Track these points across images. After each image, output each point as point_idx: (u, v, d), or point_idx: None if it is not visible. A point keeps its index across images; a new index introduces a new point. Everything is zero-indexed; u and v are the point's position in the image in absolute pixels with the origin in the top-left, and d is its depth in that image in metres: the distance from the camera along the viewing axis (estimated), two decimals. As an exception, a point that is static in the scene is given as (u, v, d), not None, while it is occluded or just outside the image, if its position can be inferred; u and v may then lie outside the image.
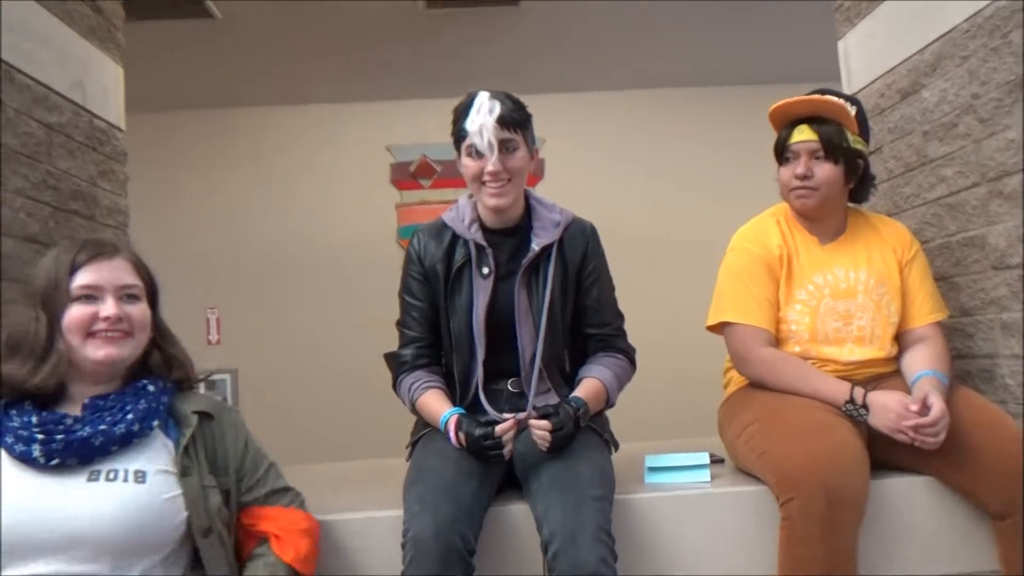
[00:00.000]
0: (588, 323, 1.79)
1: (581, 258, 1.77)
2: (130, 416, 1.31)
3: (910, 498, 1.70)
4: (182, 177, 5.17)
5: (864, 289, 1.82)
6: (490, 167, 1.67)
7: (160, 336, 1.42)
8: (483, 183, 1.70)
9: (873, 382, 1.77)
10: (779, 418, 1.67)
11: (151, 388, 1.37)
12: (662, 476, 1.79)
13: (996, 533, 1.62)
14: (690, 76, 5.16)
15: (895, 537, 1.68)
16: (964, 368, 2.02)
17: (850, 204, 1.94)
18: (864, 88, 2.39)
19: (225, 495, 1.38)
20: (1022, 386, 1.81)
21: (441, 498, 1.47)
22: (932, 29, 2.07)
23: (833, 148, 1.79)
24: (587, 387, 1.71)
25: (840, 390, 1.68)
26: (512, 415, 1.61)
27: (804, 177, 1.79)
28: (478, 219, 1.77)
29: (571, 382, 1.76)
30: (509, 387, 1.75)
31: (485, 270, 1.73)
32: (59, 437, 1.25)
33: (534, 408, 1.65)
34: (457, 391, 1.75)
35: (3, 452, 1.26)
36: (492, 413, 1.68)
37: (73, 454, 1.25)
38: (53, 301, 1.31)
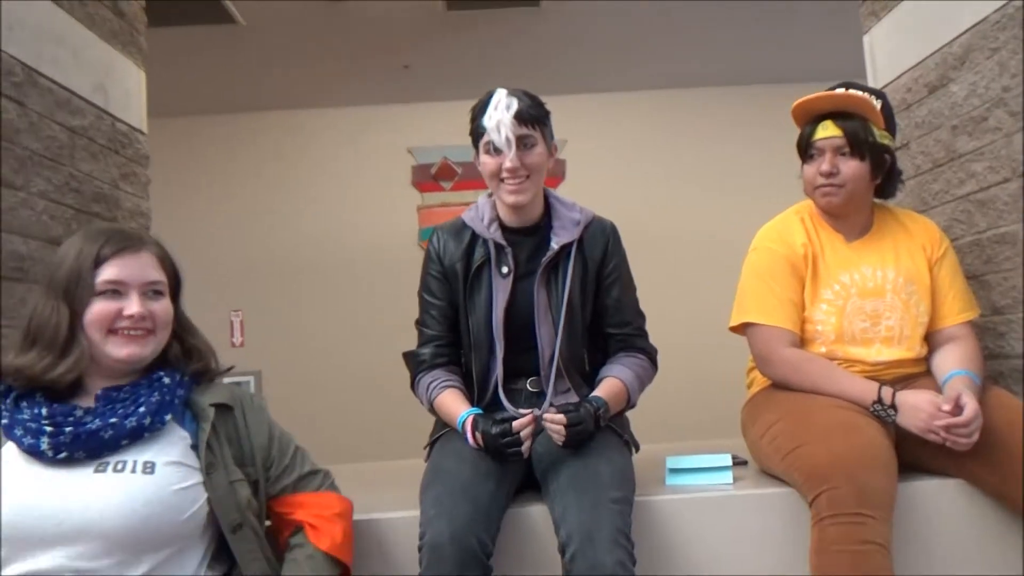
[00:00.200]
0: (608, 323, 1.77)
1: (601, 257, 1.75)
2: (142, 409, 1.28)
3: (940, 501, 1.66)
4: (206, 181, 5.22)
5: (892, 288, 1.78)
6: (508, 163, 1.65)
7: (180, 328, 1.38)
8: (501, 180, 1.68)
9: (901, 383, 1.73)
10: (804, 418, 1.64)
11: (166, 380, 1.33)
12: (684, 478, 1.76)
13: (1030, 537, 1.58)
14: (711, 76, 5.12)
15: (925, 541, 1.64)
16: (996, 368, 1.97)
17: (877, 200, 1.89)
18: (890, 83, 2.34)
19: (254, 485, 1.37)
20: (1057, 386, 1.76)
21: (458, 500, 1.46)
22: (961, 21, 2.02)
23: (859, 144, 1.75)
24: (607, 387, 1.68)
25: (868, 390, 1.64)
26: (530, 412, 1.59)
27: (829, 174, 1.75)
28: (497, 218, 1.75)
29: (591, 382, 1.74)
30: (528, 386, 1.73)
31: (504, 269, 1.72)
32: (68, 430, 1.23)
33: (552, 405, 1.63)
34: (475, 391, 1.73)
35: (12, 444, 1.25)
36: (511, 410, 1.66)
37: (81, 447, 1.23)
38: (76, 294, 1.27)
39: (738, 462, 1.89)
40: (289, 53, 4.46)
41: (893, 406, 1.62)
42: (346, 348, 5.09)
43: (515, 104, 1.66)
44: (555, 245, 1.71)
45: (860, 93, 1.77)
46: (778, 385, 1.80)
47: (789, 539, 1.60)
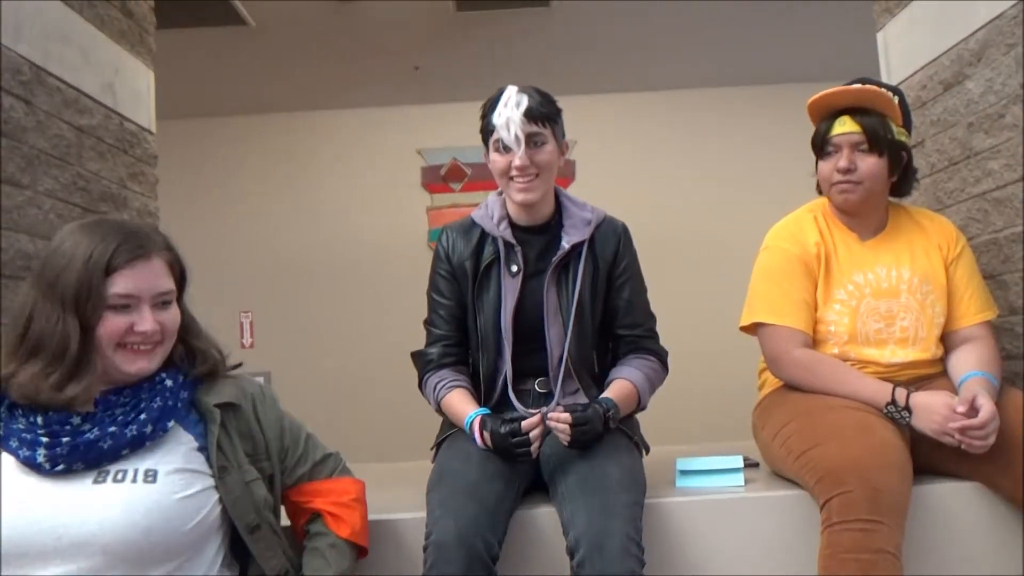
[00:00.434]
0: (619, 324, 1.74)
1: (612, 257, 1.73)
2: (143, 416, 1.22)
3: (955, 504, 1.63)
4: (216, 182, 5.24)
5: (908, 288, 1.74)
6: (517, 161, 1.64)
7: (185, 329, 1.31)
8: (511, 178, 1.66)
9: (916, 384, 1.70)
10: (817, 419, 1.61)
11: (169, 383, 1.27)
12: (694, 480, 1.74)
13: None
14: (722, 76, 5.09)
15: (939, 544, 1.61)
16: (1013, 369, 1.93)
17: (891, 199, 1.86)
18: (905, 80, 2.31)
19: (269, 480, 1.34)
20: (1076, 388, 1.72)
21: (464, 501, 1.44)
22: (976, 17, 1.99)
23: (877, 140, 1.72)
24: (617, 388, 1.66)
25: (881, 391, 1.61)
26: (538, 411, 1.57)
27: (847, 171, 1.72)
28: (507, 216, 1.74)
29: (600, 383, 1.72)
30: (536, 387, 1.71)
31: (514, 268, 1.70)
32: (65, 440, 1.17)
33: (559, 404, 1.62)
34: (483, 391, 1.71)
35: (7, 455, 1.18)
36: (521, 409, 1.64)
37: (79, 458, 1.17)
38: (88, 308, 1.18)
39: (749, 464, 1.86)
40: (299, 54, 4.46)
41: (907, 408, 1.59)
42: (355, 349, 5.09)
43: (525, 101, 1.64)
44: (566, 244, 1.69)
45: (880, 88, 1.74)
46: (790, 386, 1.77)
47: (801, 542, 1.57)
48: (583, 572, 1.37)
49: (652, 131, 5.32)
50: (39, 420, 1.19)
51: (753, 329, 1.82)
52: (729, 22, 4.32)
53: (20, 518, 1.14)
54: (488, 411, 1.63)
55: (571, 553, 1.41)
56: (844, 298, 1.75)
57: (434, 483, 1.54)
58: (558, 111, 1.71)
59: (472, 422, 1.59)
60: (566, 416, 1.53)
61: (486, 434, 1.55)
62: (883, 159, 1.73)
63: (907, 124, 1.81)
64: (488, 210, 1.76)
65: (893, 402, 1.59)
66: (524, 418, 1.54)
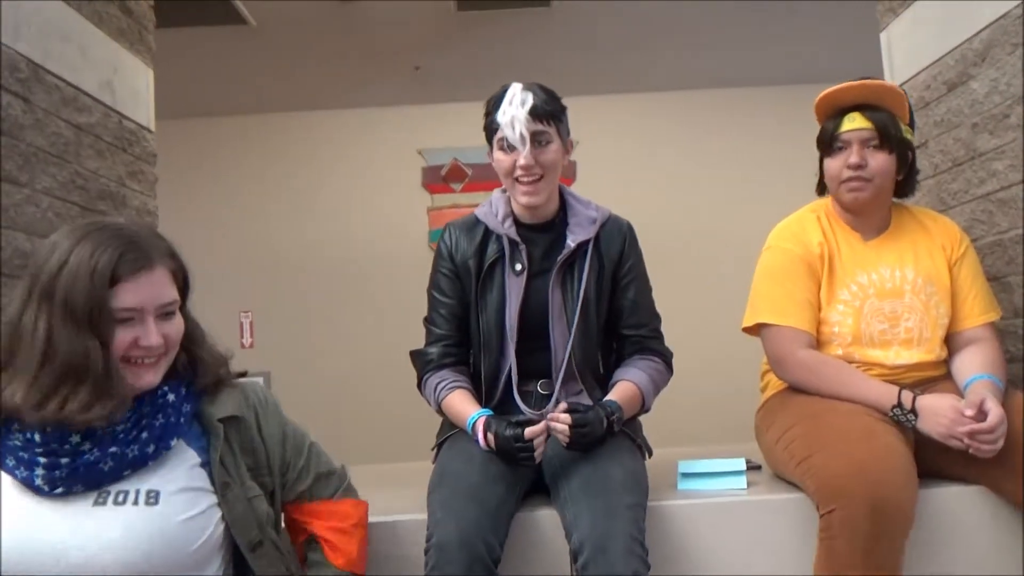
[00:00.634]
0: (624, 324, 1.73)
1: (618, 256, 1.71)
2: (144, 435, 1.16)
3: (960, 508, 1.61)
4: (216, 182, 5.23)
5: (912, 288, 1.73)
6: (522, 160, 1.62)
7: (188, 338, 1.25)
8: (516, 179, 1.65)
9: (921, 386, 1.69)
10: (821, 423, 1.59)
11: (171, 398, 1.21)
12: (696, 482, 1.72)
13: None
14: (723, 77, 5.08)
15: (945, 549, 1.59)
16: (1016, 372, 1.91)
17: (894, 199, 1.85)
18: (908, 80, 2.30)
19: (270, 495, 1.30)
20: (1082, 391, 1.70)
21: (465, 503, 1.42)
22: (981, 16, 1.97)
23: (888, 136, 1.70)
24: (622, 390, 1.64)
25: (887, 394, 1.60)
26: (543, 419, 1.55)
27: (858, 167, 1.70)
28: (511, 214, 1.72)
29: (604, 384, 1.70)
30: (539, 388, 1.69)
31: (518, 266, 1.68)
32: (64, 461, 1.12)
33: (563, 403, 1.60)
34: (484, 391, 1.70)
35: (5, 474, 1.14)
36: (527, 412, 1.63)
37: (79, 481, 1.13)
38: (101, 323, 1.12)
39: (752, 466, 1.84)
40: (299, 54, 4.45)
41: (913, 411, 1.57)
42: (356, 349, 5.07)
43: (530, 99, 1.62)
44: (571, 243, 1.68)
45: (891, 84, 1.72)
46: (794, 388, 1.75)
47: (804, 546, 1.55)
48: (587, 574, 1.35)
49: (653, 132, 5.30)
50: (36, 438, 1.13)
51: (756, 330, 1.80)
52: (731, 23, 4.31)
53: (19, 540, 1.10)
54: (491, 412, 1.61)
55: (575, 555, 1.40)
56: (848, 299, 1.74)
57: (435, 484, 1.52)
58: (563, 109, 1.70)
59: (475, 423, 1.57)
60: (566, 417, 1.51)
61: (490, 435, 1.53)
62: (892, 156, 1.71)
63: (911, 123, 1.79)
64: (492, 207, 1.74)
65: (899, 405, 1.58)
66: (530, 420, 1.53)
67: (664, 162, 5.27)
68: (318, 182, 5.28)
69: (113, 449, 1.14)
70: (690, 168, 5.26)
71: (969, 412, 1.50)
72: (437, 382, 1.69)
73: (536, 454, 1.50)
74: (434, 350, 1.73)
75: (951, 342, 1.76)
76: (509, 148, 1.64)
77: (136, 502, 1.14)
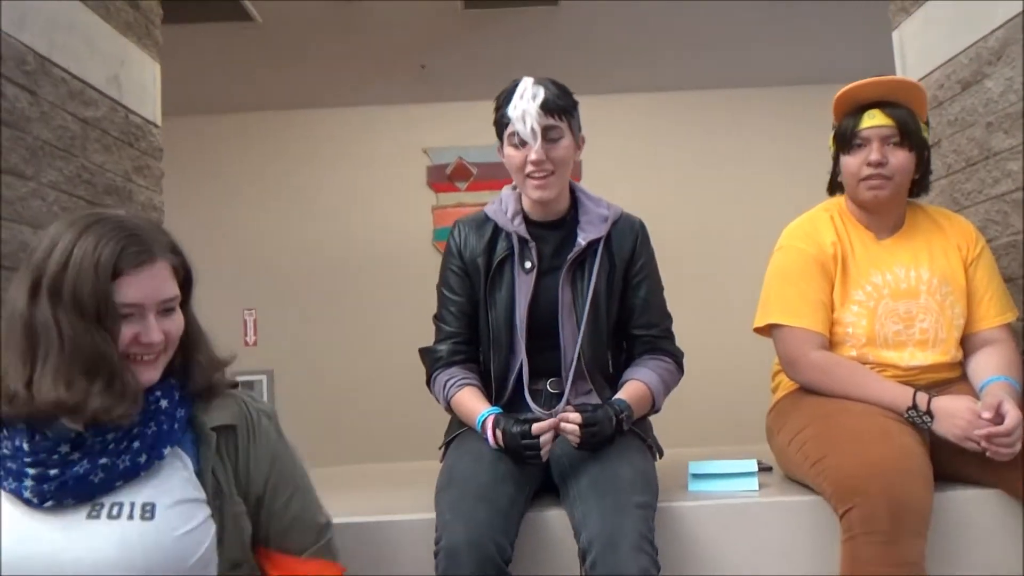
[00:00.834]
0: (634, 323, 1.71)
1: (630, 255, 1.69)
2: (136, 444, 1.11)
3: (976, 512, 1.59)
4: (220, 179, 5.21)
5: (927, 289, 1.70)
6: (533, 156, 1.60)
7: (187, 338, 1.19)
8: (527, 175, 1.63)
9: (935, 388, 1.66)
10: (835, 423, 1.57)
11: (164, 404, 1.15)
12: (707, 484, 1.70)
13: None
14: (733, 77, 5.06)
15: (961, 554, 1.57)
16: (1032, 374, 1.89)
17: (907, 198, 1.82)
18: (921, 79, 2.27)
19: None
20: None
21: (475, 504, 1.40)
22: (996, 15, 1.96)
23: (909, 134, 1.67)
24: (631, 390, 1.62)
25: (902, 395, 1.58)
26: (552, 416, 1.54)
27: (879, 164, 1.67)
28: (522, 211, 1.70)
29: (614, 384, 1.68)
30: (548, 387, 1.68)
31: (528, 264, 1.66)
32: (53, 473, 1.07)
33: (569, 403, 1.58)
34: (494, 390, 1.68)
35: None
36: (536, 410, 1.61)
37: (70, 494, 1.08)
38: (108, 318, 1.09)
39: (763, 468, 1.82)
40: (305, 52, 4.43)
41: (929, 412, 1.55)
42: (359, 348, 5.06)
43: (542, 93, 1.60)
44: (582, 241, 1.66)
45: (913, 80, 1.70)
46: (806, 389, 1.73)
47: (817, 549, 1.54)
48: (596, 572, 1.34)
49: (661, 132, 5.28)
50: (24, 445, 1.08)
51: (768, 331, 1.78)
52: (739, 23, 4.29)
53: (11, 555, 1.06)
54: (500, 410, 1.59)
55: (583, 554, 1.38)
56: (862, 299, 1.71)
57: (443, 485, 1.50)
58: (575, 103, 1.68)
59: (484, 421, 1.56)
60: (576, 417, 1.49)
61: (498, 432, 1.51)
62: (912, 154, 1.69)
63: (927, 122, 1.77)
64: (502, 204, 1.72)
65: (914, 406, 1.56)
66: (539, 418, 1.51)
67: (671, 162, 5.25)
68: (323, 180, 5.27)
69: (103, 460, 1.09)
70: (697, 168, 5.24)
71: (986, 415, 1.48)
72: (446, 379, 1.67)
73: (543, 452, 1.49)
74: (443, 347, 1.71)
75: (966, 343, 1.74)
76: (520, 143, 1.62)
77: (132, 516, 1.08)
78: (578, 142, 1.68)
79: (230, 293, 4.89)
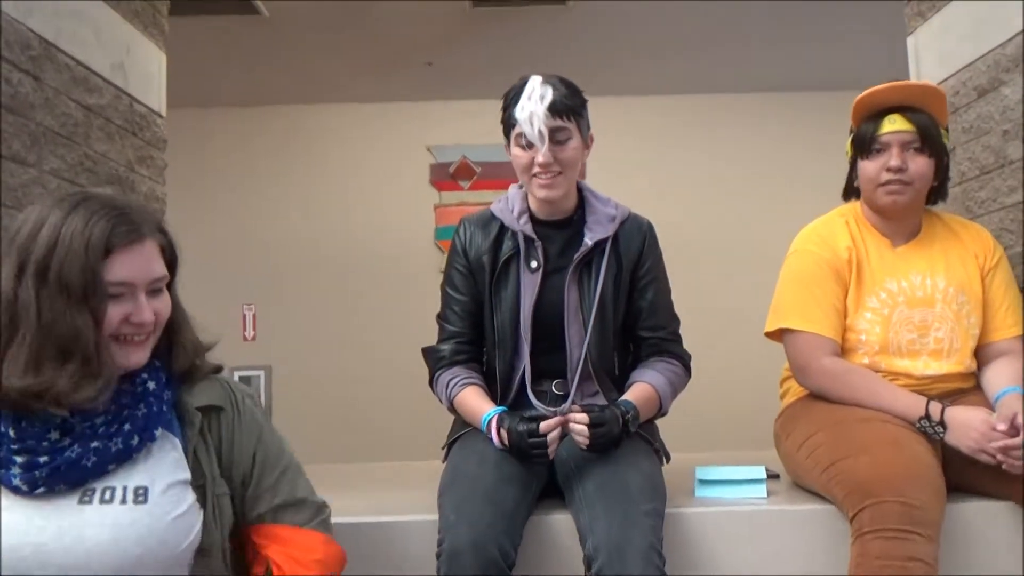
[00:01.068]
0: (642, 325, 1.68)
1: (637, 256, 1.67)
2: (127, 427, 1.10)
3: (989, 524, 1.56)
4: (223, 174, 5.19)
5: (943, 298, 1.68)
6: (540, 158, 1.57)
7: (171, 319, 1.18)
8: (534, 175, 1.60)
9: (949, 398, 1.64)
10: (846, 430, 1.55)
11: (151, 386, 1.14)
12: (714, 490, 1.68)
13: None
14: (744, 81, 5.04)
15: (971, 565, 1.54)
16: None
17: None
18: (936, 85, 2.25)
19: (231, 501, 1.19)
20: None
21: (479, 506, 1.38)
22: (1014, 22, 1.93)
23: (930, 139, 1.65)
24: (638, 392, 1.60)
25: (914, 404, 1.55)
26: (558, 414, 1.51)
27: (899, 170, 1.65)
28: (528, 210, 1.67)
29: (620, 386, 1.66)
30: (554, 388, 1.65)
31: (533, 264, 1.64)
32: (43, 459, 1.05)
33: (575, 403, 1.56)
34: (498, 390, 1.65)
35: None
36: (541, 408, 1.58)
37: (61, 480, 1.06)
38: (94, 298, 1.06)
39: (770, 475, 1.79)
40: (312, 47, 4.41)
41: (942, 423, 1.52)
42: (358, 345, 5.03)
43: (550, 94, 1.57)
44: (589, 241, 1.63)
45: (934, 85, 1.68)
46: (815, 396, 1.70)
47: (827, 559, 1.51)
48: None
49: (669, 135, 5.25)
50: (11, 432, 1.06)
51: (779, 335, 1.76)
52: (750, 25, 4.26)
53: (4, 544, 1.04)
54: (505, 409, 1.57)
55: (588, 562, 1.35)
56: (876, 306, 1.69)
57: (447, 486, 1.47)
58: (583, 103, 1.65)
59: (489, 420, 1.53)
60: (583, 416, 1.47)
61: (503, 432, 1.48)
62: (932, 160, 1.67)
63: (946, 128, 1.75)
64: (508, 203, 1.70)
65: (927, 416, 1.53)
66: (544, 417, 1.48)
67: (679, 165, 5.22)
68: (326, 175, 5.25)
69: (95, 444, 1.07)
70: (706, 172, 5.21)
71: (1001, 427, 1.46)
72: (449, 379, 1.65)
73: (550, 450, 1.46)
74: (446, 347, 1.68)
75: (981, 354, 1.71)
76: (527, 145, 1.59)
77: (124, 500, 1.07)
78: (587, 141, 1.65)
79: (229, 287, 4.86)
